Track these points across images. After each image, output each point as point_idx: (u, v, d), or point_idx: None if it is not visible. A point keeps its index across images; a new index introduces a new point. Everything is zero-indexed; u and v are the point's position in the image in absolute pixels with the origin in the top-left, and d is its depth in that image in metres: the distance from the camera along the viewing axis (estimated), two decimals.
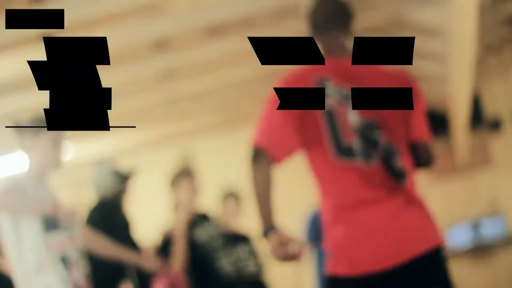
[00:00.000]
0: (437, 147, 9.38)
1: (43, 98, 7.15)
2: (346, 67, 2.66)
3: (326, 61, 2.67)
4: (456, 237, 9.03)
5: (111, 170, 4.19)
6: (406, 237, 2.51)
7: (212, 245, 4.44)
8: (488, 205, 8.90)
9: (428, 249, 2.51)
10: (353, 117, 2.61)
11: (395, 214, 2.53)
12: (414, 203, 2.61)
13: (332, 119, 2.59)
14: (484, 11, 4.69)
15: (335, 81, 2.61)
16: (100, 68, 7.17)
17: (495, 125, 8.86)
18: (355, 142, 2.59)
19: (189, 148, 10.16)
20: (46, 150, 3.31)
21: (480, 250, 8.98)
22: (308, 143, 2.63)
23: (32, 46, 6.70)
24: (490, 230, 8.87)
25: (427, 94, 9.43)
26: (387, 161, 2.59)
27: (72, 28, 6.59)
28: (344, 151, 2.59)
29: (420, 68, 7.90)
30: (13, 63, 6.28)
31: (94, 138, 9.09)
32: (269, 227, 2.45)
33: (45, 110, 3.24)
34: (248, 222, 5.27)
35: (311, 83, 2.63)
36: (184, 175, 4.63)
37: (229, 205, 5.81)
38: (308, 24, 2.84)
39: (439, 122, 9.19)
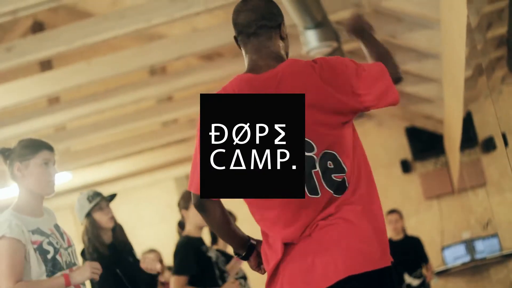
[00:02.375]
0: (432, 168, 9.48)
1: (38, 126, 7.23)
2: (272, 86, 2.37)
3: (252, 82, 2.39)
4: (452, 255, 9.11)
5: (85, 193, 4.17)
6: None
7: (218, 262, 4.49)
8: (483, 224, 8.98)
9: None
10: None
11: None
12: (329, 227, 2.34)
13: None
14: (474, 33, 4.79)
15: None
16: (99, 95, 7.24)
17: (488, 146, 8.94)
18: None
19: (186, 172, 10.23)
20: (37, 176, 3.17)
21: (475, 268, 9.05)
22: None
23: (30, 74, 6.78)
24: (485, 248, 8.95)
25: (422, 115, 9.44)
26: (324, 175, 2.32)
27: (71, 55, 6.68)
28: None
29: (414, 90, 8.00)
30: (11, 92, 6.34)
31: (94, 164, 9.15)
32: (242, 252, 2.51)
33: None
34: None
35: None
36: None
37: None
38: (234, 30, 2.49)
39: (434, 143, 9.28)
